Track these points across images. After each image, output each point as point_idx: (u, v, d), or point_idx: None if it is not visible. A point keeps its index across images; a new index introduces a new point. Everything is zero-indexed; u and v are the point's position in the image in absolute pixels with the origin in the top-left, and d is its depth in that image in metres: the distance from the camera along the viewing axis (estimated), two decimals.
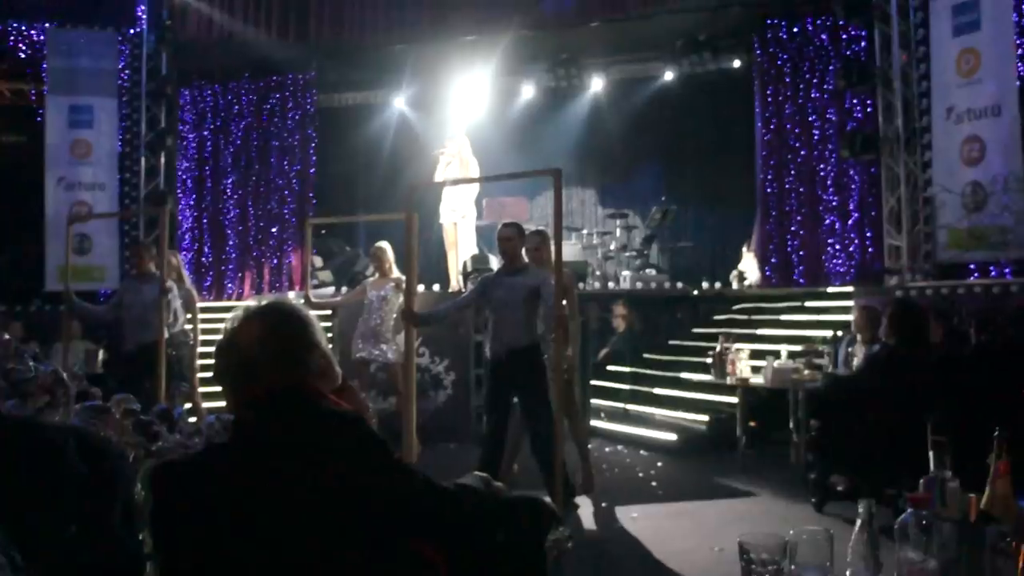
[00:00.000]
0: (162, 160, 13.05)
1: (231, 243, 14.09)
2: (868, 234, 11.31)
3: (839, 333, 9.18)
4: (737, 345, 8.91)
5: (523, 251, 7.00)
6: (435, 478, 2.29)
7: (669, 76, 13.79)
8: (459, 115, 13.63)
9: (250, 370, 2.16)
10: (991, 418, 4.96)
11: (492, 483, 2.52)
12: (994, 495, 2.25)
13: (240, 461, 2.09)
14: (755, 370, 8.67)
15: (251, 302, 2.33)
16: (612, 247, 13.54)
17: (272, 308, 2.25)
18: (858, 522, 2.05)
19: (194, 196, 14.18)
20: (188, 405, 8.24)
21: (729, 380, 8.42)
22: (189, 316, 8.81)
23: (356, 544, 2.01)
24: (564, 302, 6.79)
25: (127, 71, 12.99)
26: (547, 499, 2.67)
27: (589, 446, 8.17)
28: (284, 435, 2.08)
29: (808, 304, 10.87)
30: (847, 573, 2.04)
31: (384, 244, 9.15)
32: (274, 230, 13.99)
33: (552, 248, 6.78)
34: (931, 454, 2.26)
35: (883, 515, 2.39)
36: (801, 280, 11.81)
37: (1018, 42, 9.29)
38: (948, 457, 2.28)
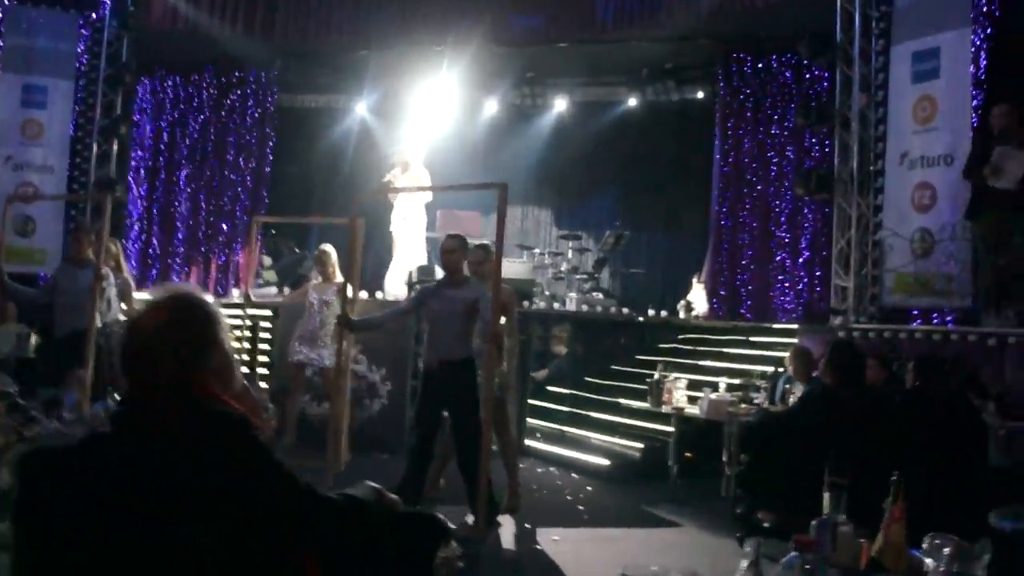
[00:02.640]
0: (115, 147, 12.79)
1: (180, 236, 13.87)
2: (818, 273, 11.31)
3: (779, 369, 9.15)
4: (676, 374, 8.87)
5: (465, 264, 6.91)
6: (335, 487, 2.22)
7: (633, 102, 13.81)
8: (420, 125, 13.54)
9: (145, 359, 2.10)
10: (901, 464, 4.93)
11: (385, 495, 2.48)
12: (887, 542, 2.18)
13: (116, 454, 2.03)
14: (693, 400, 8.64)
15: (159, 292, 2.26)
16: (563, 268, 13.47)
17: (179, 299, 2.19)
18: (744, 562, 1.97)
19: (146, 186, 13.94)
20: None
21: (664, 408, 8.37)
22: (125, 306, 8.61)
23: (227, 548, 1.95)
24: (503, 319, 6.73)
25: (86, 55, 12.72)
26: (440, 516, 2.57)
27: (521, 466, 8.08)
28: (164, 432, 2.01)
29: (753, 339, 10.85)
30: None
31: (328, 247, 9.03)
32: (224, 226, 13.79)
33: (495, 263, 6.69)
34: (826, 495, 2.18)
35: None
36: (748, 315, 11.80)
37: (973, 93, 9.33)
38: (844, 500, 2.20)
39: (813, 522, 2.17)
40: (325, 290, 8.88)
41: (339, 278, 8.71)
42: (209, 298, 2.28)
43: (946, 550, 2.18)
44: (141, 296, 10.94)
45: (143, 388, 2.08)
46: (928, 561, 2.19)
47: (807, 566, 1.94)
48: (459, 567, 2.58)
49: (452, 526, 2.57)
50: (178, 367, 2.06)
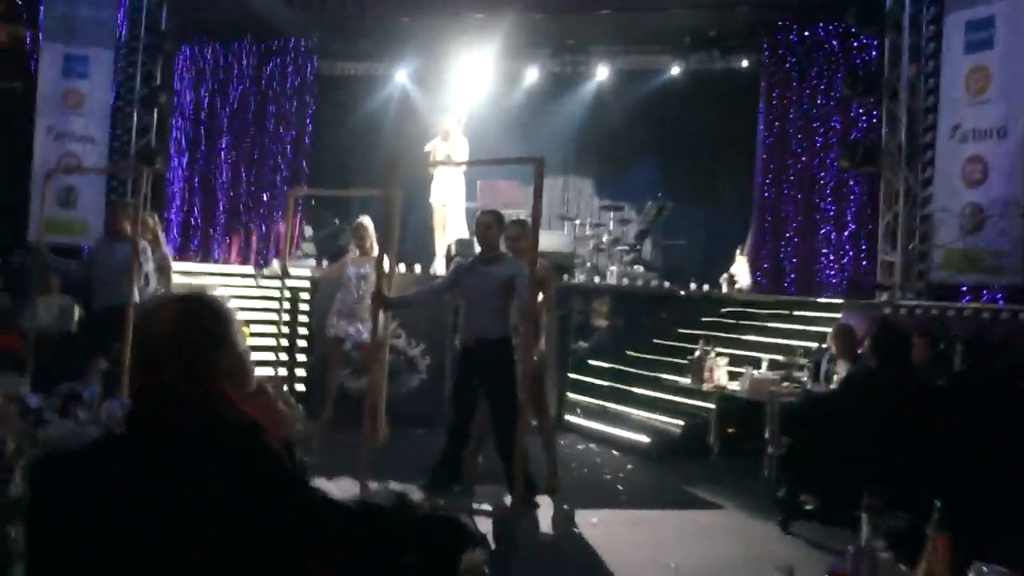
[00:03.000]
0: (155, 117, 12.78)
1: (221, 206, 13.87)
2: (863, 247, 11.13)
3: (823, 345, 8.98)
4: (718, 350, 8.73)
5: (501, 240, 6.80)
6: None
7: (675, 71, 13.56)
8: (461, 94, 13.44)
9: (155, 359, 2.04)
10: (944, 453, 4.78)
11: (407, 499, 2.40)
12: (929, 573, 2.05)
13: (128, 458, 1.98)
14: (735, 377, 8.51)
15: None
16: (605, 240, 13.33)
17: (191, 298, 2.13)
18: None
19: (187, 156, 13.93)
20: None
21: (705, 386, 8.25)
22: (164, 281, 8.60)
23: (235, 556, 1.90)
24: (540, 296, 6.62)
25: (126, 23, 12.68)
26: (465, 520, 2.49)
27: (561, 442, 8.01)
28: (173, 435, 1.96)
29: (796, 313, 10.69)
30: None
31: (365, 220, 8.95)
32: (265, 197, 13.79)
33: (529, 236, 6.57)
34: (863, 518, 2.06)
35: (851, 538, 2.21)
36: (791, 288, 11.62)
37: None
38: (882, 524, 2.07)
39: (850, 548, 2.05)
40: (363, 263, 8.80)
41: (376, 251, 8.63)
42: (221, 295, 2.21)
43: None
44: (182, 269, 11.02)
45: (152, 389, 2.03)
46: None
47: None
48: (485, 573, 2.50)
49: (478, 531, 2.49)
50: (187, 368, 2.01)
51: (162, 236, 9.17)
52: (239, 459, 1.93)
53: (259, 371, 2.31)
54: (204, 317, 2.08)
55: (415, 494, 2.45)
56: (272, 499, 1.94)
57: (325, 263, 11.41)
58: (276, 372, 9.27)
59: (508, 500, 6.37)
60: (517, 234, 6.97)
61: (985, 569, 2.08)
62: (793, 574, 1.85)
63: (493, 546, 5.67)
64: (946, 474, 4.96)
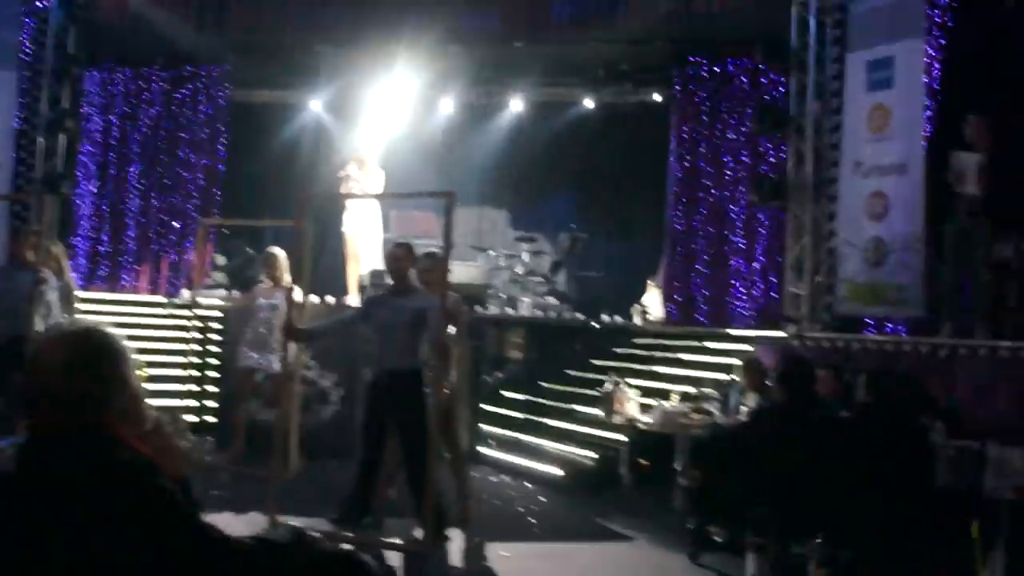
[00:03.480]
0: (62, 142, 12.49)
1: (131, 234, 13.58)
2: (772, 280, 11.31)
3: (733, 377, 9.12)
4: (628, 381, 8.81)
5: (412, 272, 6.80)
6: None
7: (589, 104, 13.69)
8: (375, 124, 13.40)
9: (48, 398, 2.02)
10: (846, 483, 4.89)
11: (305, 536, 2.37)
12: None
13: (15, 499, 1.95)
14: (647, 409, 8.59)
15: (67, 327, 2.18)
16: (519, 271, 13.38)
17: (84, 335, 2.10)
18: None
19: (96, 182, 13.63)
20: None
21: (616, 419, 8.32)
22: (67, 311, 8.39)
23: None
24: (451, 328, 6.63)
25: (31, 45, 12.39)
26: (362, 555, 2.47)
27: (474, 474, 7.99)
28: (68, 477, 1.93)
29: (709, 345, 10.81)
30: None
31: (276, 250, 8.89)
32: (176, 225, 13.53)
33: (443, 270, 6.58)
34: (748, 557, 2.09)
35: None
36: (703, 320, 11.77)
37: (927, 103, 9.35)
38: (767, 564, 2.11)
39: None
40: (273, 294, 8.75)
41: (287, 281, 8.55)
42: (115, 333, 2.17)
43: None
44: (90, 297, 10.75)
45: (43, 427, 2.01)
46: None
47: None
48: None
49: (379, 567, 2.46)
50: (81, 409, 1.99)
51: (67, 264, 8.96)
52: (131, 500, 1.90)
53: (162, 403, 2.28)
54: (97, 353, 2.06)
55: (322, 527, 2.42)
56: (166, 540, 1.92)
57: (236, 293, 11.26)
58: (184, 403, 9.09)
59: (419, 533, 6.34)
60: (428, 266, 6.97)
61: None
62: None
63: None
64: (848, 504, 5.07)
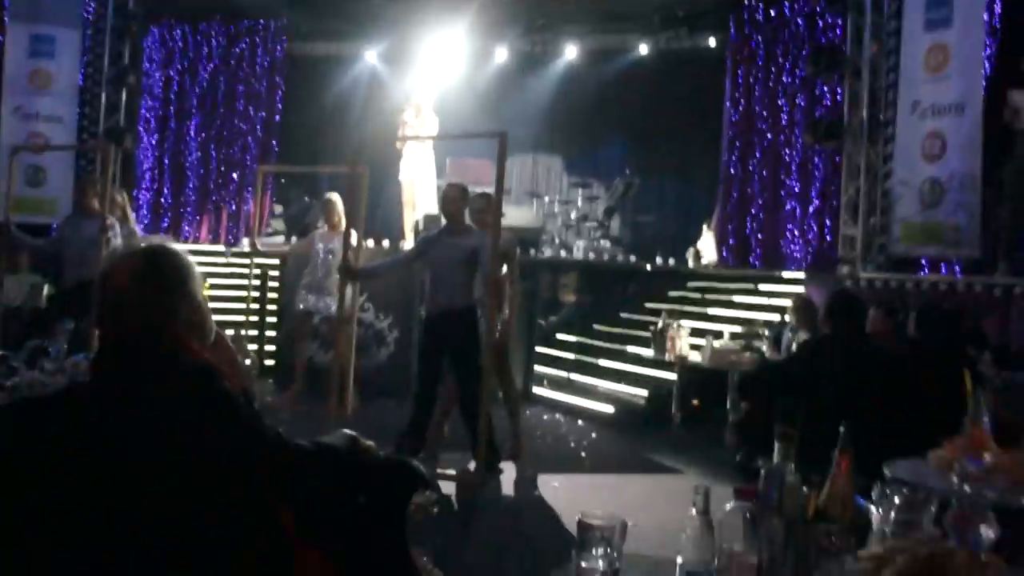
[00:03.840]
0: (123, 97, 12.78)
1: (191, 186, 13.89)
2: (827, 222, 11.28)
3: (786, 318, 9.16)
4: (680, 322, 8.89)
5: (466, 213, 6.92)
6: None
7: (644, 50, 13.66)
8: (431, 73, 13.48)
9: (118, 309, 2.14)
10: (885, 415, 4.95)
11: (360, 442, 2.50)
12: (832, 493, 2.21)
13: (91, 406, 2.07)
14: (698, 348, 8.67)
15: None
16: (573, 216, 13.47)
17: (153, 250, 2.23)
18: (693, 509, 2.01)
19: (156, 135, 13.95)
20: None
21: (667, 357, 8.41)
22: None
23: (198, 499, 1.99)
24: (504, 267, 6.76)
25: (93, 3, 12.67)
26: (414, 462, 2.62)
27: (527, 413, 8.14)
28: (137, 381, 2.05)
29: (762, 287, 10.86)
30: (678, 559, 2.00)
31: (334, 196, 9.05)
32: (235, 175, 13.82)
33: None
34: (776, 445, 2.20)
35: None
36: (757, 263, 11.79)
37: (987, 42, 9.22)
38: (792, 450, 2.22)
39: (762, 471, 2.20)
40: (331, 239, 8.91)
41: (343, 226, 8.70)
42: (181, 248, 2.31)
43: (895, 499, 2.21)
44: None
45: (115, 339, 2.12)
46: (874, 510, 2.23)
47: (748, 515, 1.97)
48: (433, 513, 2.63)
49: (426, 471, 2.61)
50: (148, 318, 2.10)
51: (131, 213, 9.22)
52: (198, 401, 2.02)
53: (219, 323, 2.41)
54: (163, 268, 2.17)
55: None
56: (231, 439, 2.03)
57: (295, 240, 11.50)
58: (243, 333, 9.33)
59: (472, 465, 6.51)
60: (481, 207, 7.07)
61: (888, 489, 2.24)
62: (708, 493, 1.99)
63: (455, 507, 5.81)
64: (893, 435, 5.13)
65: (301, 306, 9.03)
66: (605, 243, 12.75)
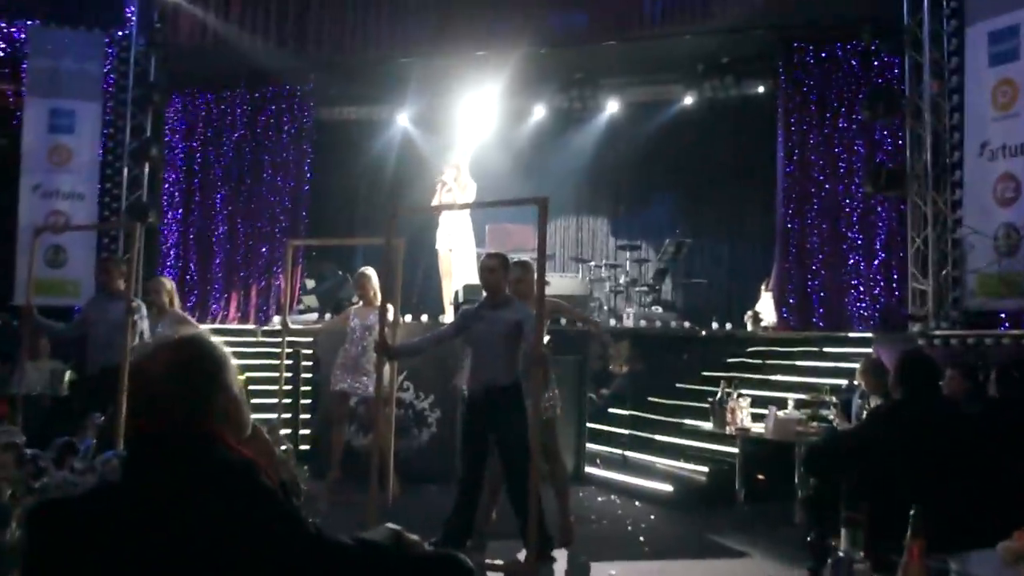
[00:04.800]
0: (146, 170, 13.04)
1: (217, 261, 14.10)
2: (894, 276, 11.21)
3: (854, 382, 9.07)
4: (741, 391, 8.84)
5: (506, 284, 6.95)
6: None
7: (688, 100, 13.77)
8: (465, 135, 13.63)
9: (152, 404, 2.16)
10: (973, 480, 4.88)
11: (404, 537, 2.51)
12: None
13: (126, 504, 2.09)
14: (760, 418, 8.61)
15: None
16: (621, 281, 13.50)
17: (187, 342, 2.26)
18: None
19: (181, 210, 14.22)
20: None
21: (728, 429, 8.35)
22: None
23: None
24: (547, 339, 6.77)
25: (113, 75, 13.01)
26: (462, 556, 2.62)
27: (580, 494, 8.08)
28: (170, 480, 2.07)
29: (827, 350, 10.78)
30: None
31: (368, 270, 9.10)
32: (264, 250, 14.00)
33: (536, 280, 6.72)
34: (843, 531, 2.20)
35: None
36: (820, 323, 11.71)
37: None
38: (860, 535, 2.22)
39: (829, 560, 2.19)
40: (367, 315, 8.94)
41: (379, 301, 8.73)
42: (217, 340, 2.36)
43: None
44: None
45: (149, 434, 2.15)
46: None
47: None
48: None
49: (474, 563, 2.62)
50: (182, 412, 2.13)
51: (176, 298, 9.17)
52: (236, 499, 2.04)
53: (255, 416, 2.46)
54: (199, 360, 2.21)
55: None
56: (270, 538, 2.04)
57: (328, 316, 11.59)
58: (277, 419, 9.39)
59: (522, 555, 6.46)
60: (519, 276, 7.10)
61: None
62: None
63: None
64: (973, 510, 5.05)
65: (337, 387, 9.03)
66: (656, 308, 12.74)
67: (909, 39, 10.62)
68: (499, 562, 6.51)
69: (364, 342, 8.85)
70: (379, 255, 10.16)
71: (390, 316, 7.74)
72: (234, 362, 2.31)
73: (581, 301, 11.92)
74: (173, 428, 2.12)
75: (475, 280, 10.96)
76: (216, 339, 2.33)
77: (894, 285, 11.16)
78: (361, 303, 9.16)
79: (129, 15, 13.11)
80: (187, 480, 2.06)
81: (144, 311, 8.44)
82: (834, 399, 8.41)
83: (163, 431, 2.13)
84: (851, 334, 10.92)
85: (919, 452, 5.34)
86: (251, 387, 10.18)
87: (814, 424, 7.90)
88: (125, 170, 12.96)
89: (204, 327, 12.54)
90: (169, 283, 8.94)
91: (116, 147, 12.99)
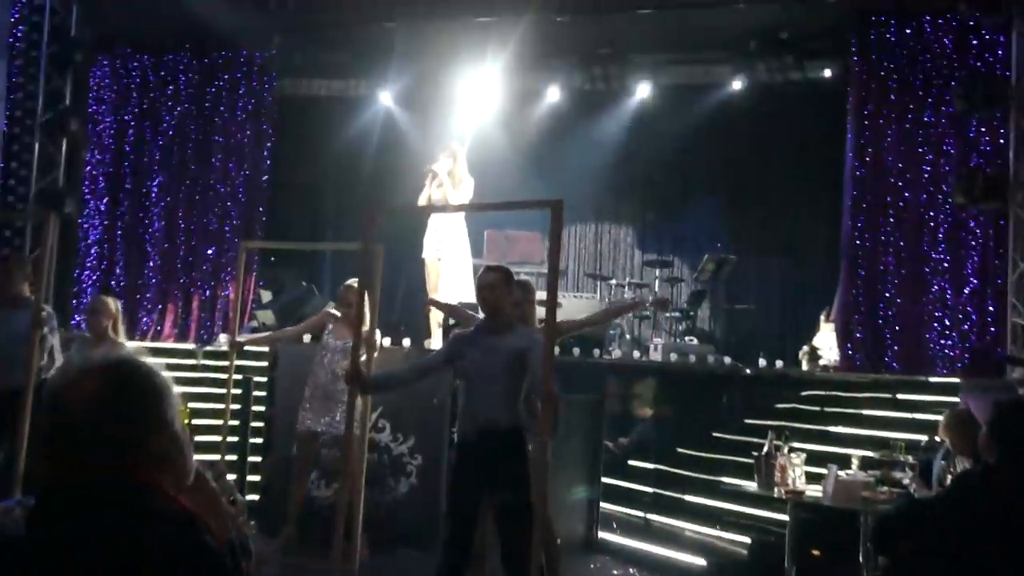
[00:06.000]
0: (63, 148, 12.94)
1: (151, 265, 14.00)
2: (989, 308, 11.16)
3: (936, 438, 9.04)
4: (794, 444, 8.80)
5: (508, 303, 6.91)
6: None
7: (737, 84, 13.77)
8: (462, 119, 13.63)
9: (71, 441, 2.15)
10: None
11: None
12: None
13: (31, 568, 2.08)
14: (816, 479, 8.56)
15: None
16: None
17: (119, 366, 2.24)
18: None
19: (106, 199, 14.09)
20: None
21: (777, 491, 8.30)
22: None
23: None
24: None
25: (22, 26, 12.86)
26: None
27: (592, 566, 8.04)
28: (94, 537, 2.06)
29: (901, 397, 10.72)
30: None
31: (354, 283, 8.89)
32: (210, 252, 13.94)
33: (537, 302, 6.73)
34: None
35: None
36: (894, 364, 11.65)
37: None
38: None
39: None
40: (346, 334, 8.78)
41: (367, 326, 8.45)
42: (156, 364, 2.32)
43: None
44: None
45: (64, 480, 2.13)
46: None
47: None
48: None
49: None
50: (111, 455, 2.12)
51: (121, 326, 9.10)
52: (175, 564, 2.03)
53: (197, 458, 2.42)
54: (132, 388, 2.20)
55: None
56: None
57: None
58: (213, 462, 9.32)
59: None
60: (518, 298, 7.09)
61: None
62: None
63: None
64: None
65: (305, 426, 8.92)
66: (691, 340, 12.70)
67: (1018, 12, 10.56)
68: None
69: (336, 366, 8.75)
70: (351, 264, 10.14)
71: (376, 342, 7.70)
72: (176, 392, 2.28)
73: (599, 328, 11.90)
74: (95, 472, 2.11)
75: (470, 298, 10.96)
76: (154, 362, 2.30)
77: (989, 319, 11.10)
78: (338, 319, 9.03)
79: None
80: (113, 537, 2.04)
81: (55, 322, 8.38)
82: (910, 458, 8.37)
83: (82, 474, 2.11)
84: (932, 379, 10.86)
85: (1020, 532, 5.31)
86: (190, 414, 10.15)
87: (885, 489, 7.84)
88: (36, 147, 12.86)
89: (132, 343, 12.53)
90: (114, 304, 8.86)
91: (25, 117, 12.85)
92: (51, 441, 2.18)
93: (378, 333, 7.50)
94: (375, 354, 7.85)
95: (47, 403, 2.21)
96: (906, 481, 8.01)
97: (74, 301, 13.12)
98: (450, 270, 11.36)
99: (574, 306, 11.74)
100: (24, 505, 3.42)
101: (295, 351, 10.05)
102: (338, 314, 9.04)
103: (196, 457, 2.36)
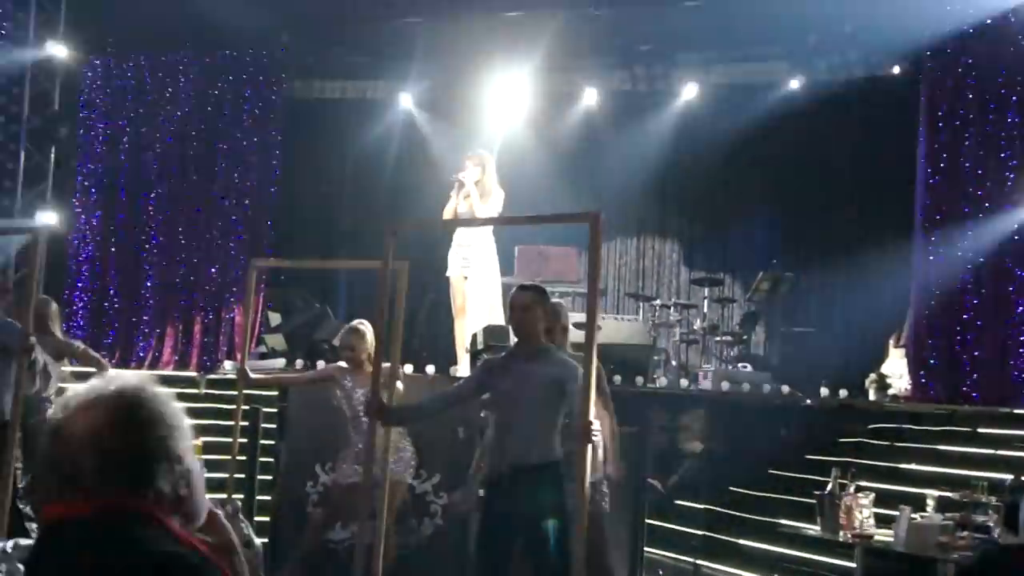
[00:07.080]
0: (51, 157, 12.98)
1: (149, 284, 14.04)
2: None
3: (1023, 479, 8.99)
4: (860, 483, 8.76)
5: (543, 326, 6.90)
6: None
7: (795, 84, 13.77)
8: (490, 124, 13.66)
9: (74, 474, 2.13)
10: None
11: None
12: None
13: None
14: (887, 521, 8.52)
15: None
16: (697, 327, 13.45)
17: (127, 395, 2.22)
18: None
19: (100, 213, 14.15)
20: None
21: (842, 535, 8.26)
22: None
23: None
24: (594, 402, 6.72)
25: (5, 21, 12.93)
26: None
27: None
28: None
29: (983, 431, 10.64)
30: None
31: (363, 326, 8.76)
32: (213, 271, 13.96)
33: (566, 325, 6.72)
34: None
35: None
36: (974, 395, 11.56)
37: None
38: None
39: None
40: (365, 380, 8.69)
41: (368, 367, 8.22)
42: (167, 394, 2.30)
43: None
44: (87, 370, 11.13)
45: (65, 521, 2.13)
46: None
47: None
48: None
49: None
50: (116, 492, 2.11)
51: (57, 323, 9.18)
52: None
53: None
54: (140, 421, 2.18)
55: None
56: None
57: (299, 364, 11.54)
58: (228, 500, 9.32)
59: None
60: (549, 323, 7.09)
61: None
62: None
63: None
64: None
65: (350, 480, 8.82)
66: (744, 367, 12.67)
67: None
68: None
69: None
70: (369, 283, 10.13)
71: (399, 386, 7.66)
72: (188, 424, 2.27)
73: (642, 353, 11.87)
74: (98, 509, 2.10)
75: (499, 319, 10.96)
76: (164, 391, 2.29)
77: None
78: (348, 364, 8.94)
79: None
80: None
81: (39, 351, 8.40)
82: (994, 500, 8.31)
83: (84, 512, 2.10)
84: (1018, 410, 10.77)
85: None
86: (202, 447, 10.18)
87: (965, 534, 7.79)
88: (22, 155, 12.90)
89: (128, 371, 12.57)
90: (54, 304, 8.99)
91: (9, 123, 12.89)
92: (47, 478, 2.17)
93: (399, 372, 7.45)
94: (400, 387, 7.84)
95: (47, 436, 2.19)
96: (990, 525, 7.96)
97: (65, 325, 13.14)
98: (477, 289, 11.33)
99: (615, 329, 11.71)
100: (18, 547, 3.45)
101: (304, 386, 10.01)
102: (345, 365, 8.96)
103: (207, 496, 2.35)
